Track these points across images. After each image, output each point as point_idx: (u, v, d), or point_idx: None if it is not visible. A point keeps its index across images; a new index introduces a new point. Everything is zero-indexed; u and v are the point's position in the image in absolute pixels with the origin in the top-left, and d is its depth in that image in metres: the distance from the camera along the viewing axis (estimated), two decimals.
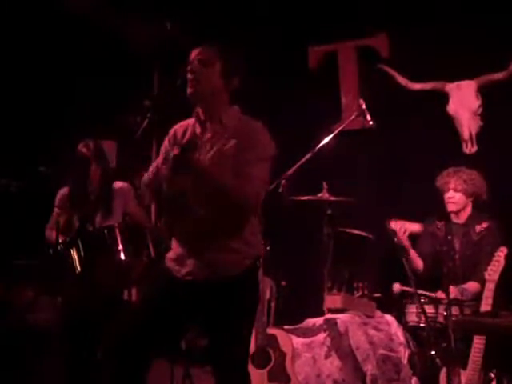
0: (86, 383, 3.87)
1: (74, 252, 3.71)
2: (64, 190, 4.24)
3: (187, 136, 2.92)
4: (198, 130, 2.90)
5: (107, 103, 5.33)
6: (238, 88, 2.91)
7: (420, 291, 3.97)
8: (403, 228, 4.25)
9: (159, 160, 2.98)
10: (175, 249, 2.91)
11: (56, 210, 4.23)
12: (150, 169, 3.00)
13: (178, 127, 3.00)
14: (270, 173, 2.87)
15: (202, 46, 2.89)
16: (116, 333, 2.85)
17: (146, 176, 2.98)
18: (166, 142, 3.00)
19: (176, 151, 2.77)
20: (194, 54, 2.88)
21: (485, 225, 4.27)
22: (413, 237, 4.40)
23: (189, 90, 2.84)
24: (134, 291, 4.07)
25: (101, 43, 5.39)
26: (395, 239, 4.17)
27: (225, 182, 2.73)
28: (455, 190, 4.31)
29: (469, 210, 4.36)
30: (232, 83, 2.89)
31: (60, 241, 4.07)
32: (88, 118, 5.20)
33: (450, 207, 4.35)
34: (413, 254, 4.36)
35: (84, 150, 4.13)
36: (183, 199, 2.81)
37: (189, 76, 2.84)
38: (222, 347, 2.82)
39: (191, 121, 2.96)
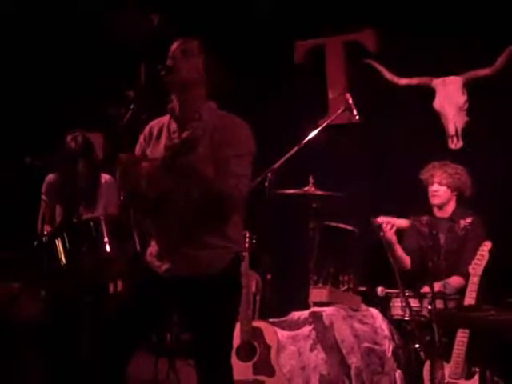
0: (72, 376, 3.86)
1: (58, 244, 3.70)
2: (50, 177, 4.23)
3: (164, 133, 2.88)
4: (174, 127, 2.86)
5: (94, 94, 5.31)
6: (220, 84, 2.88)
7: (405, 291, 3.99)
8: (390, 224, 4.26)
9: None
10: (156, 244, 2.89)
11: (43, 197, 4.21)
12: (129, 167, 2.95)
13: (154, 124, 2.96)
14: (252, 168, 2.84)
15: (184, 38, 2.87)
16: (101, 326, 2.87)
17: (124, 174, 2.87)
18: (141, 140, 2.95)
19: (165, 153, 2.74)
20: (176, 44, 2.86)
21: (469, 219, 4.29)
22: (400, 232, 4.41)
23: (167, 78, 2.79)
24: (119, 283, 4.06)
25: (88, 33, 5.37)
26: (381, 234, 4.19)
27: (209, 180, 2.71)
28: (440, 184, 4.33)
29: (453, 204, 4.39)
30: (212, 78, 2.86)
31: (45, 232, 4.07)
32: (74, 109, 5.17)
33: (434, 200, 4.37)
34: (400, 250, 4.36)
35: (73, 144, 4.12)
36: (165, 196, 2.78)
37: (169, 62, 2.80)
38: (203, 342, 2.82)
39: (167, 117, 2.92)
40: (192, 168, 2.72)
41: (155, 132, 2.92)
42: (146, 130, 2.96)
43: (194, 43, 2.85)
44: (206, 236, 2.79)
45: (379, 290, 4.19)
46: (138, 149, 2.96)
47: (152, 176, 2.76)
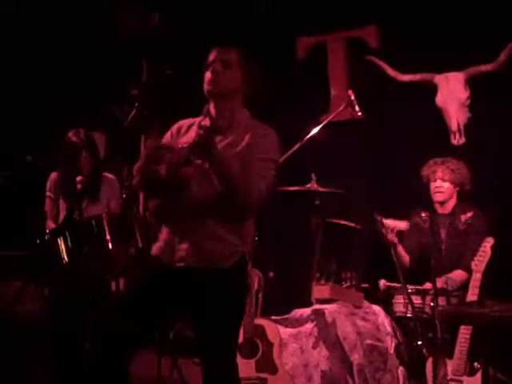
0: (74, 374, 3.86)
1: (61, 242, 3.70)
2: (54, 175, 4.25)
3: (193, 129, 2.92)
4: (206, 123, 2.90)
5: (95, 93, 5.32)
6: (256, 91, 2.94)
7: (407, 286, 3.99)
8: (390, 228, 4.25)
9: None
10: (165, 236, 2.91)
11: (48, 193, 4.22)
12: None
13: (184, 123, 3.01)
14: (274, 176, 2.88)
15: (222, 47, 2.91)
16: (104, 324, 2.87)
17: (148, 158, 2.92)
18: (167, 136, 3.00)
19: (200, 132, 2.76)
20: (214, 53, 2.90)
21: (470, 214, 4.29)
22: (400, 234, 4.41)
23: (207, 87, 2.87)
24: (121, 281, 4.06)
25: (89, 32, 5.37)
26: (383, 230, 4.17)
27: (233, 176, 2.74)
28: (443, 180, 4.32)
29: (454, 199, 4.38)
30: (249, 87, 2.92)
31: (47, 230, 4.08)
32: (76, 108, 5.18)
33: (438, 197, 4.36)
34: (400, 249, 4.36)
35: (74, 137, 4.13)
36: (184, 185, 2.80)
37: (210, 75, 2.86)
38: (209, 338, 2.83)
39: (199, 118, 2.97)
40: (219, 158, 2.74)
41: (183, 130, 2.97)
42: (174, 127, 3.02)
43: (233, 53, 2.89)
44: (219, 230, 2.81)
45: (381, 283, 4.19)
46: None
47: (175, 164, 2.78)
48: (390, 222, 4.22)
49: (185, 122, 3.01)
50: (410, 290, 4.02)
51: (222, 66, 2.87)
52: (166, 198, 2.88)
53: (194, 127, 2.93)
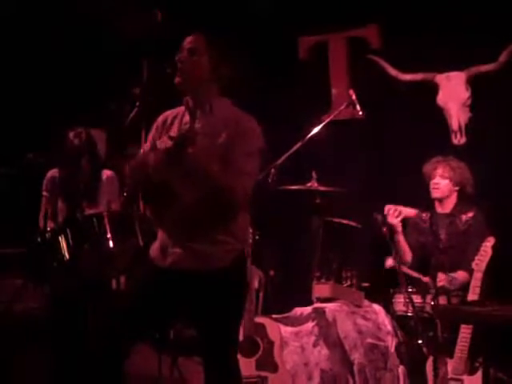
0: (74, 372, 3.87)
1: (62, 240, 3.70)
2: (52, 173, 4.25)
3: (176, 124, 2.90)
4: (187, 119, 2.89)
5: (96, 91, 5.32)
6: (230, 79, 2.89)
7: (409, 272, 3.99)
8: (397, 211, 4.25)
9: (147, 147, 2.96)
10: (160, 238, 2.91)
11: (44, 193, 4.22)
12: (138, 156, 2.96)
13: (168, 114, 2.98)
14: (259, 167, 2.86)
15: (192, 35, 2.88)
16: (103, 325, 2.88)
17: (133, 162, 2.92)
18: (153, 129, 2.98)
19: (168, 144, 2.75)
20: (184, 42, 2.88)
21: (470, 214, 4.28)
22: (405, 225, 4.41)
23: (176, 79, 2.84)
24: (122, 280, 4.06)
25: (90, 30, 5.38)
26: (384, 229, 4.16)
27: (214, 175, 2.72)
28: (442, 177, 4.32)
29: (454, 199, 4.37)
30: (221, 74, 2.87)
31: (48, 228, 4.08)
32: (76, 105, 5.18)
33: (435, 193, 4.36)
34: (402, 241, 4.35)
35: (76, 140, 4.14)
36: (171, 188, 2.79)
37: (178, 65, 2.84)
38: (209, 337, 2.83)
39: (181, 109, 2.95)
40: (196, 161, 2.73)
41: (168, 121, 2.94)
42: (160, 119, 2.99)
43: (201, 40, 2.85)
44: (209, 231, 2.79)
45: (388, 261, 4.17)
46: (150, 138, 2.98)
47: (158, 166, 2.77)
48: (397, 207, 4.22)
49: (170, 113, 2.98)
50: (410, 289, 4.02)
51: (189, 55, 2.83)
52: (159, 201, 2.87)
53: (177, 122, 2.90)
